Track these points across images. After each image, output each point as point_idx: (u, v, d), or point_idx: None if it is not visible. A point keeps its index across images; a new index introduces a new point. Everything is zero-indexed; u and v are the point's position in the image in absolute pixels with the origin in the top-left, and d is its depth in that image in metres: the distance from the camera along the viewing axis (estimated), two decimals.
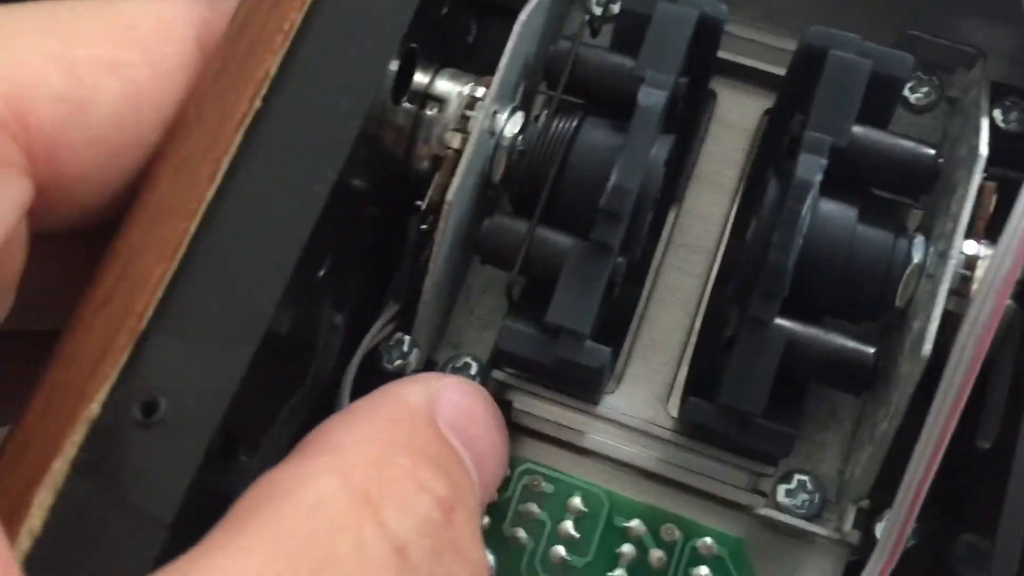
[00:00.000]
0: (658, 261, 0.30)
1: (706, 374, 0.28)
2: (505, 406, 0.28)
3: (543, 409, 0.28)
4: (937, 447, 0.23)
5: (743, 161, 0.31)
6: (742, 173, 0.31)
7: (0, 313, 0.21)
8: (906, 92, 0.30)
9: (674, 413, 0.28)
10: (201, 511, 0.20)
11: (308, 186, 0.23)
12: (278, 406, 0.25)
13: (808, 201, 0.24)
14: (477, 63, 0.31)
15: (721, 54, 0.30)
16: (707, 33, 0.28)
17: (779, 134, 0.29)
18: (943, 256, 0.25)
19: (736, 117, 0.31)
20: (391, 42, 0.24)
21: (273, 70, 0.24)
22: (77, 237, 0.23)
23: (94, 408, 0.20)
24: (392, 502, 0.20)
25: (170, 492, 0.20)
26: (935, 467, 0.23)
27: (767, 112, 0.31)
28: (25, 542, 0.19)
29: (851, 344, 0.25)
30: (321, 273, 0.24)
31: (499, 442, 0.24)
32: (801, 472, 0.27)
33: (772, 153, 0.30)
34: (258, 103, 0.23)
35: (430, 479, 0.20)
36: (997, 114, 0.29)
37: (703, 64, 0.29)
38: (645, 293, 0.30)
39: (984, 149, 0.25)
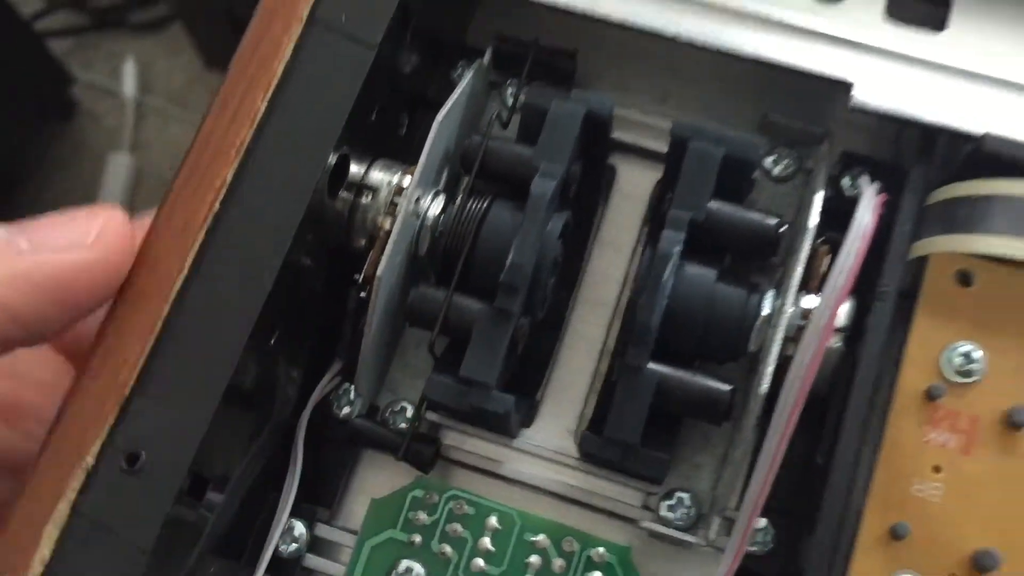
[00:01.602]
0: (570, 314, 0.35)
1: (603, 411, 0.33)
2: (436, 443, 0.33)
3: (469, 444, 0.33)
4: (771, 466, 0.28)
5: (639, 226, 0.36)
6: (639, 237, 0.36)
7: None
8: (769, 165, 0.35)
9: None
10: (174, 540, 0.26)
11: (258, 274, 0.28)
12: (242, 449, 0.31)
13: (669, 269, 0.30)
14: (410, 151, 0.37)
15: (619, 135, 0.36)
16: (595, 125, 0.33)
17: (662, 205, 0.34)
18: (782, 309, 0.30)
19: (633, 188, 0.36)
20: (325, 150, 0.30)
21: (229, 178, 0.29)
22: None
23: (89, 460, 0.26)
24: None
25: (149, 525, 0.25)
26: (771, 482, 0.28)
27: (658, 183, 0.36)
28: (37, 568, 0.25)
29: (712, 384, 0.30)
30: (272, 341, 0.30)
31: None
32: (681, 490, 0.32)
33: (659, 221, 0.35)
34: (217, 206, 0.29)
35: None
36: (846, 181, 0.34)
37: (597, 148, 0.34)
38: (560, 341, 0.35)
39: (813, 221, 0.30)
